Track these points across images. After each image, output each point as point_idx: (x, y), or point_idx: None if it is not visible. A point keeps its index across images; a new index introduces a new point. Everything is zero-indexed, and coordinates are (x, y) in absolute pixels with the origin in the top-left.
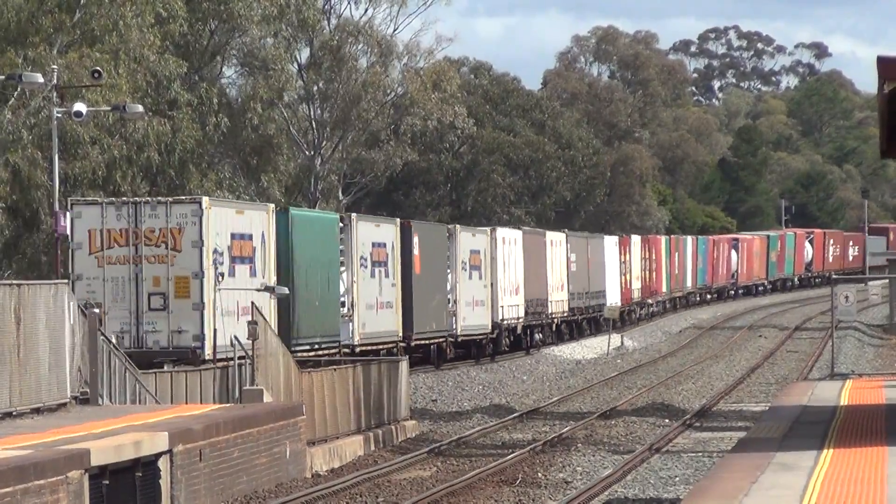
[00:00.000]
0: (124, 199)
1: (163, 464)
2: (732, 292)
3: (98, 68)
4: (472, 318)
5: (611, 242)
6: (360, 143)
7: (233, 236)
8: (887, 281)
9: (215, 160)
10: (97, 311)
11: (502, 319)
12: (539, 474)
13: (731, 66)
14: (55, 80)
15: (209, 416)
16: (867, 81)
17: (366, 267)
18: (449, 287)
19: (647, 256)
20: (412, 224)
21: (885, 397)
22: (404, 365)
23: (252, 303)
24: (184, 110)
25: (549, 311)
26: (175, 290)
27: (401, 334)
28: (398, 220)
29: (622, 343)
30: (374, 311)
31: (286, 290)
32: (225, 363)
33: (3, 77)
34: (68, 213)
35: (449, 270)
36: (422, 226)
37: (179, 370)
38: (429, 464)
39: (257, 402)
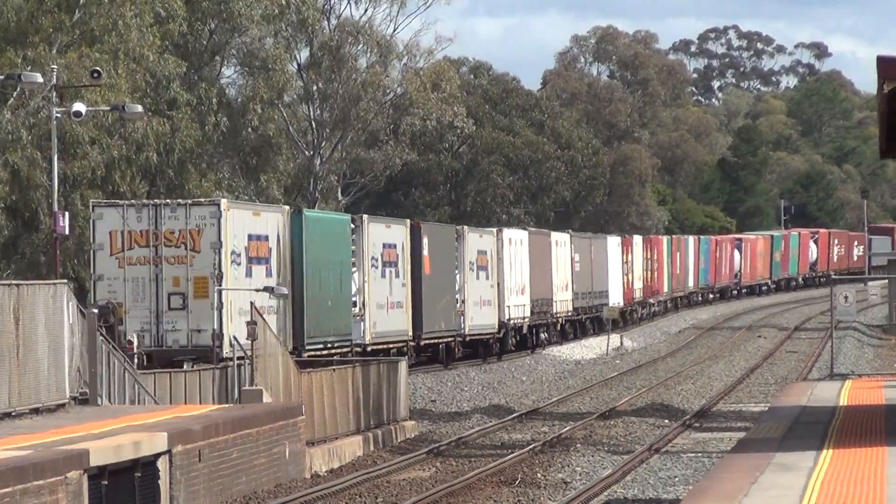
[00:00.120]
0: (144, 201)
1: (162, 464)
2: (735, 292)
3: (97, 68)
4: (479, 318)
5: (613, 243)
6: (360, 143)
7: (250, 237)
8: (886, 281)
9: (215, 160)
10: (96, 311)
11: (509, 319)
12: (538, 475)
13: (731, 66)
14: (55, 80)
15: (208, 417)
16: (867, 81)
17: (377, 267)
18: (457, 287)
19: (648, 256)
20: (422, 225)
21: (884, 397)
22: (403, 365)
23: (252, 303)
24: (183, 110)
25: (554, 311)
26: (194, 290)
27: (411, 334)
28: (408, 221)
29: (622, 343)
30: (384, 310)
31: (285, 291)
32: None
33: (2, 77)
34: (90, 215)
35: (457, 271)
36: (431, 227)
37: (181, 371)
38: (428, 464)
39: (256, 402)
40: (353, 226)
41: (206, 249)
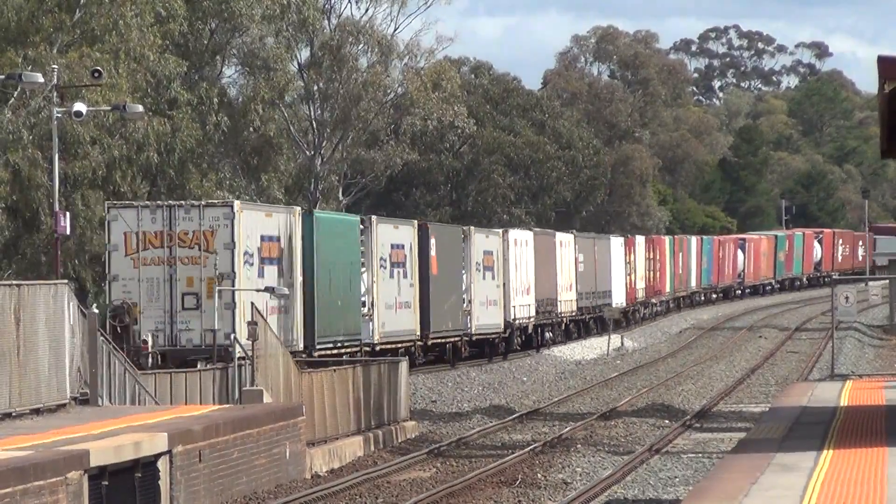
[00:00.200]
0: (159, 202)
1: (162, 464)
2: (739, 292)
3: (98, 68)
4: (485, 318)
5: (617, 243)
6: (361, 143)
7: (262, 238)
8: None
9: (215, 160)
10: (96, 311)
11: (514, 319)
12: (539, 475)
13: (732, 66)
14: (55, 80)
15: (209, 417)
16: (867, 81)
17: (385, 268)
18: (464, 287)
19: (651, 257)
20: (429, 226)
21: (885, 398)
22: (404, 366)
23: (252, 303)
24: (184, 110)
25: (559, 311)
26: (208, 290)
27: (418, 333)
28: (416, 221)
29: (622, 344)
30: (393, 310)
31: (286, 291)
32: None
33: (3, 77)
34: (106, 217)
35: (464, 271)
36: (438, 227)
37: (181, 371)
38: (428, 464)
39: (257, 402)
40: (362, 226)
41: (220, 250)
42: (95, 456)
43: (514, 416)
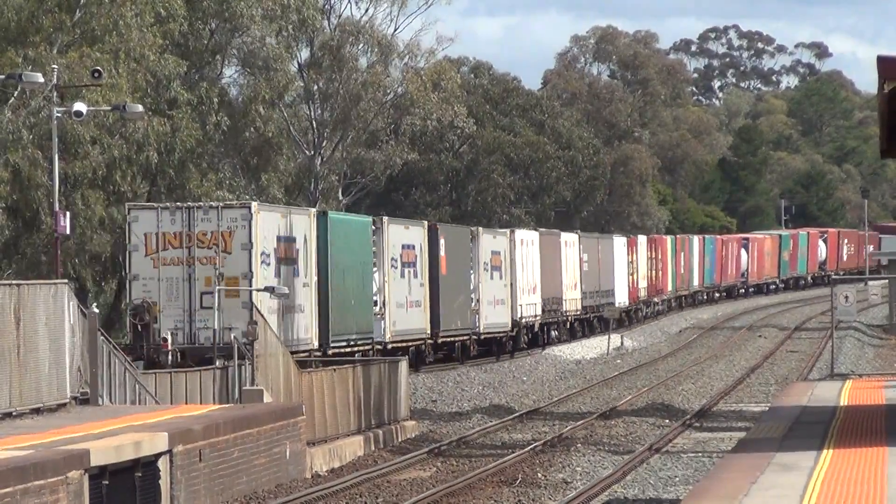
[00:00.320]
0: (178, 203)
1: (162, 464)
2: (742, 290)
3: (98, 68)
4: (493, 317)
5: (619, 243)
6: (361, 143)
7: (279, 239)
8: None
9: (215, 160)
10: (97, 311)
11: (521, 317)
12: (539, 474)
13: (732, 66)
14: (55, 80)
15: (209, 417)
16: (867, 81)
17: (396, 268)
18: (472, 287)
19: (653, 256)
20: (439, 227)
21: (884, 398)
22: (404, 365)
23: (252, 304)
24: (184, 110)
25: (564, 310)
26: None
27: (429, 332)
28: (426, 222)
29: (622, 343)
30: (404, 309)
31: (286, 290)
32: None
33: (3, 76)
34: (126, 217)
35: (472, 271)
36: (447, 228)
37: (181, 371)
38: (428, 464)
39: (257, 402)
40: (374, 227)
41: (238, 250)
42: (96, 455)
43: (514, 415)
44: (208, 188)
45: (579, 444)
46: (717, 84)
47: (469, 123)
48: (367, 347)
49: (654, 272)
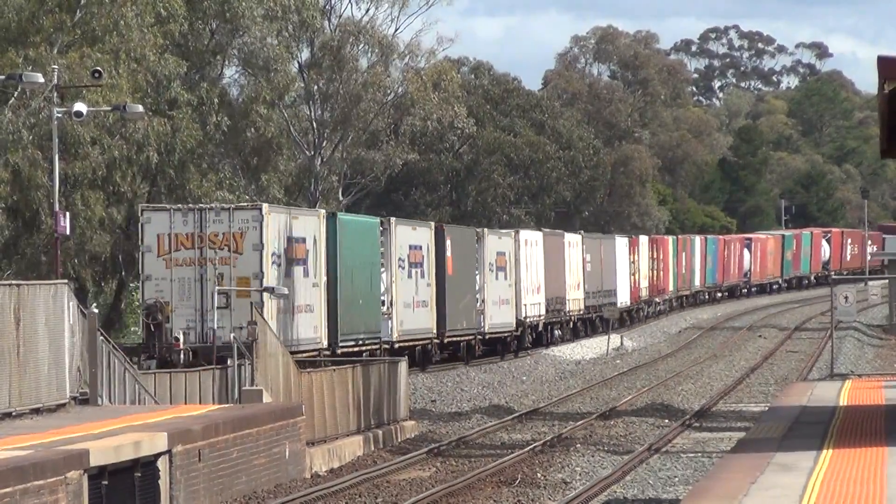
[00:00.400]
0: (190, 205)
1: (162, 464)
2: (745, 290)
3: (98, 68)
4: (498, 317)
5: (621, 243)
6: (361, 143)
7: (289, 240)
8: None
9: (215, 160)
10: (96, 312)
11: (525, 317)
12: (538, 475)
13: (732, 66)
14: (55, 80)
15: (208, 417)
16: (867, 81)
17: (403, 268)
18: (478, 287)
19: (654, 256)
20: (445, 227)
21: (884, 398)
22: (403, 365)
23: (252, 304)
24: (184, 110)
25: (567, 309)
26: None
27: (435, 332)
28: (433, 223)
29: (622, 343)
30: (410, 309)
31: (286, 291)
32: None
33: (3, 77)
34: (139, 219)
35: (477, 271)
36: (453, 229)
37: (181, 371)
38: (428, 464)
39: (257, 402)
40: (381, 228)
41: (249, 251)
42: (95, 455)
43: (513, 415)
44: (208, 188)
45: (579, 445)
46: (717, 84)
47: (469, 124)
48: (374, 347)
49: (655, 272)
